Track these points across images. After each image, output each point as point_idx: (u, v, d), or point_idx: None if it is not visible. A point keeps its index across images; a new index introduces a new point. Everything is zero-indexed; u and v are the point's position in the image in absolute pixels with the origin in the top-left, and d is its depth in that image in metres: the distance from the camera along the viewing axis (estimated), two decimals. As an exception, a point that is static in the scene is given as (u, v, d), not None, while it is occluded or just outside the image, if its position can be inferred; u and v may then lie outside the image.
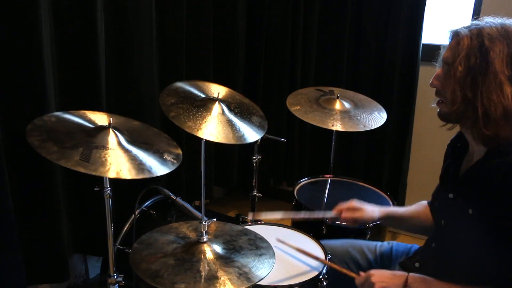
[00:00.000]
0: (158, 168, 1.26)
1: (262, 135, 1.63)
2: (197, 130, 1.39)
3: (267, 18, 2.70)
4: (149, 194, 1.88)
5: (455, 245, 1.25)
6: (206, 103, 1.62)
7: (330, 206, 1.94)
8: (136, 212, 1.76)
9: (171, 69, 2.21)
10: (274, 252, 1.23)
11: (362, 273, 1.31)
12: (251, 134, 1.57)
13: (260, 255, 1.21)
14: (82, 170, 1.13)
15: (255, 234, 1.31)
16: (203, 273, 1.11)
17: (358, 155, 2.75)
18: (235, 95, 1.81)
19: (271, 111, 2.79)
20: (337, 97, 2.07)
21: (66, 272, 1.75)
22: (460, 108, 1.13)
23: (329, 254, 1.47)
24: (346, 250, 1.54)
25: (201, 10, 2.31)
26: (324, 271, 1.40)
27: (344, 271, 1.37)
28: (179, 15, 2.16)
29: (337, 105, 2.05)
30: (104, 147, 1.22)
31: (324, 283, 1.38)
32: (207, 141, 1.32)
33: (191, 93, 1.68)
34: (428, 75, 2.67)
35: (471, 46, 1.09)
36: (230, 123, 1.53)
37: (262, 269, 1.15)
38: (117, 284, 1.44)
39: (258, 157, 2.04)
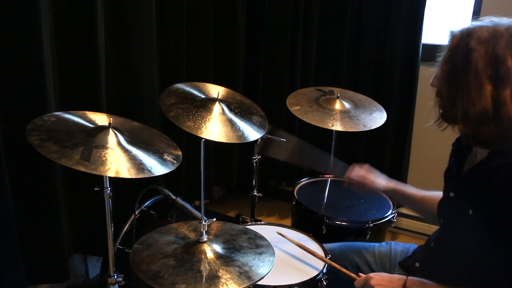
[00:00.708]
0: (158, 168, 1.26)
1: (262, 134, 1.64)
2: (197, 130, 1.39)
3: (267, 18, 2.70)
4: (149, 194, 1.88)
5: (454, 245, 1.25)
6: (206, 103, 1.62)
7: (330, 206, 1.95)
8: (136, 212, 1.76)
9: (171, 69, 2.21)
10: (274, 250, 1.23)
11: (361, 275, 1.31)
12: (251, 133, 1.58)
13: (260, 253, 1.21)
14: (82, 169, 1.13)
15: (255, 233, 1.31)
16: (203, 273, 1.11)
17: (358, 155, 2.75)
18: (235, 95, 1.81)
19: (271, 111, 2.79)
20: (337, 97, 2.07)
21: (66, 272, 1.75)
22: (447, 106, 1.14)
23: (329, 254, 1.47)
24: (344, 253, 1.54)
25: (201, 10, 2.31)
26: (324, 271, 1.40)
27: (344, 271, 1.37)
28: (179, 14, 2.16)
29: (337, 105, 2.05)
30: (104, 146, 1.22)
31: (324, 283, 1.38)
32: (207, 141, 1.32)
33: (191, 93, 1.68)
34: (428, 75, 2.67)
35: (457, 45, 1.11)
36: (230, 122, 1.53)
37: (262, 268, 1.15)
38: (117, 284, 1.44)
39: (258, 157, 2.04)
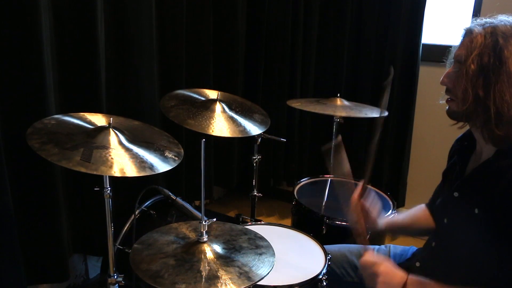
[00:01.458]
0: (160, 165, 1.26)
1: (265, 129, 1.63)
2: (198, 126, 1.39)
3: (267, 18, 2.70)
4: (149, 194, 1.88)
5: (456, 244, 1.24)
6: (206, 103, 1.62)
7: (330, 206, 1.95)
8: (136, 212, 1.76)
9: (171, 69, 2.21)
10: (274, 251, 1.23)
11: (371, 249, 1.27)
12: (253, 128, 1.58)
13: (260, 254, 1.21)
14: (83, 170, 1.13)
15: (255, 233, 1.31)
16: (203, 273, 1.11)
17: (358, 155, 2.75)
18: (236, 98, 1.82)
19: (271, 111, 2.79)
20: (338, 96, 2.09)
21: (66, 272, 1.75)
22: (471, 107, 1.12)
23: (329, 254, 1.47)
24: (343, 255, 1.54)
25: (201, 10, 2.31)
26: (324, 271, 1.40)
27: (363, 228, 1.32)
28: (179, 16, 2.16)
29: (338, 102, 2.09)
30: (105, 146, 1.22)
31: (324, 283, 1.38)
32: (207, 141, 1.32)
33: (191, 97, 1.69)
34: (428, 75, 2.69)
35: (485, 44, 1.08)
36: (231, 119, 1.53)
37: (262, 268, 1.15)
38: (117, 284, 1.44)
39: (258, 157, 2.04)
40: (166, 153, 1.33)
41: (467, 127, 1.26)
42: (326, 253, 1.48)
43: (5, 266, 1.49)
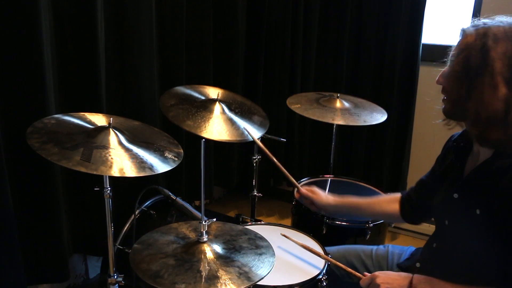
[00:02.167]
0: (160, 165, 1.26)
1: (263, 132, 1.64)
2: (196, 128, 1.39)
3: (267, 18, 2.71)
4: (149, 194, 1.88)
5: (458, 245, 1.25)
6: (206, 103, 1.62)
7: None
8: (136, 212, 1.76)
9: (171, 69, 2.21)
10: (274, 251, 1.23)
11: (366, 274, 1.31)
12: (252, 131, 1.57)
13: (260, 254, 1.21)
14: (83, 170, 1.13)
15: (255, 234, 1.31)
16: (203, 273, 1.11)
17: (358, 155, 2.75)
18: (236, 97, 1.81)
19: (271, 111, 2.79)
20: (337, 97, 2.08)
21: (66, 272, 1.75)
22: (456, 106, 1.14)
23: (329, 254, 1.47)
24: (342, 256, 1.54)
25: (201, 10, 2.31)
26: (324, 271, 1.40)
27: (349, 270, 1.37)
28: (179, 15, 2.16)
29: (338, 104, 2.07)
30: (104, 146, 1.22)
31: (324, 283, 1.38)
32: (207, 141, 1.32)
33: (191, 95, 1.69)
34: (428, 75, 2.69)
35: (473, 45, 1.09)
36: (230, 121, 1.53)
37: (262, 268, 1.15)
38: (117, 284, 1.44)
39: (258, 157, 2.04)
40: (166, 154, 1.33)
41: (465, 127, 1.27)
42: (326, 253, 1.48)
43: (5, 266, 1.49)
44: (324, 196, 1.62)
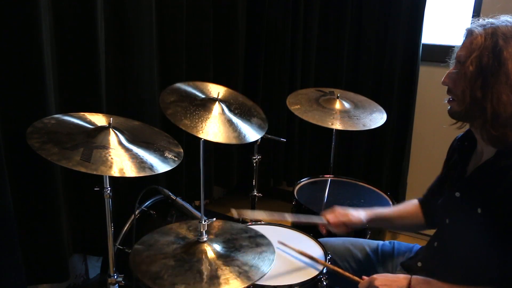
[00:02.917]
0: (160, 165, 1.26)
1: (261, 135, 1.63)
2: (193, 128, 1.38)
3: (267, 18, 2.70)
4: (149, 194, 1.88)
5: (459, 244, 1.24)
6: (205, 102, 1.61)
7: (330, 206, 1.94)
8: (136, 212, 1.76)
9: (171, 69, 2.21)
10: (274, 249, 1.23)
11: (365, 277, 1.31)
12: (251, 134, 1.56)
13: (260, 252, 1.21)
14: (83, 170, 1.13)
15: (255, 232, 1.31)
16: (203, 273, 1.11)
17: (358, 155, 2.75)
18: (237, 96, 1.80)
19: (271, 111, 2.79)
20: (337, 97, 2.07)
21: (66, 272, 1.75)
22: (469, 107, 1.13)
23: (329, 255, 1.47)
24: (347, 249, 1.54)
25: (201, 10, 2.31)
26: (324, 271, 1.40)
27: (347, 274, 1.36)
28: (179, 15, 2.16)
29: (337, 105, 2.06)
30: (104, 146, 1.22)
31: (324, 283, 1.38)
32: (206, 141, 1.32)
33: (192, 93, 1.68)
34: (428, 75, 2.69)
35: (485, 45, 1.08)
36: (229, 122, 1.52)
37: (262, 267, 1.15)
38: (117, 284, 1.44)
39: (258, 157, 2.04)
40: (166, 154, 1.33)
41: (467, 127, 1.27)
42: (326, 253, 1.48)
43: (5, 266, 1.49)
44: (355, 216, 1.51)
